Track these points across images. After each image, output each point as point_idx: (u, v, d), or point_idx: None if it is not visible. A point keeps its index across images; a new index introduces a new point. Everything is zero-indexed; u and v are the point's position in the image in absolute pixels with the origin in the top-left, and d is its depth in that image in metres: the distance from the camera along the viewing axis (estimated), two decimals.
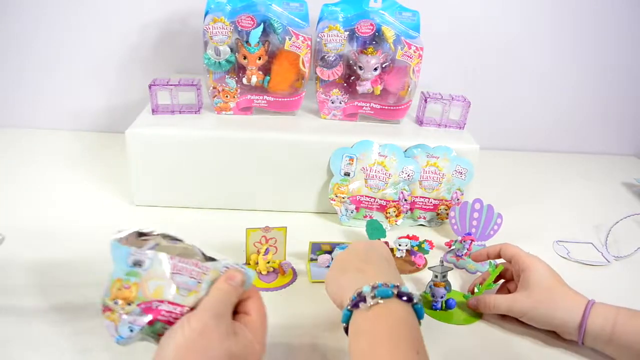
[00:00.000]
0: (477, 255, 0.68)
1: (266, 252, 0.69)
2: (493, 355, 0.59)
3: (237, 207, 0.85)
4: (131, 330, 0.45)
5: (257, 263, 0.69)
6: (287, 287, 0.68)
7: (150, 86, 0.81)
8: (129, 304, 0.45)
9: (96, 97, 1.10)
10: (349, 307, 0.48)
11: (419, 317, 0.48)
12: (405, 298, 0.47)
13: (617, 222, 0.84)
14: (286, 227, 0.69)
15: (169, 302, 0.45)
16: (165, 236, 0.50)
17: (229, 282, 0.46)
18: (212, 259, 0.50)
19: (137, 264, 0.46)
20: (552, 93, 1.16)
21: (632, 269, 0.79)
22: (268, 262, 0.69)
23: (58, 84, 1.08)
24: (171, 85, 0.82)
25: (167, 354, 0.41)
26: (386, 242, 0.67)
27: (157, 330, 0.46)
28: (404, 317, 0.46)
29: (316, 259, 0.72)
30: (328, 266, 0.72)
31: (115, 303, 0.45)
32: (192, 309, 0.45)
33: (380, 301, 0.46)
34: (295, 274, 0.70)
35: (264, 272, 0.69)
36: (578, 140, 1.23)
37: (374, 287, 0.48)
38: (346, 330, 0.48)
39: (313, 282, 0.69)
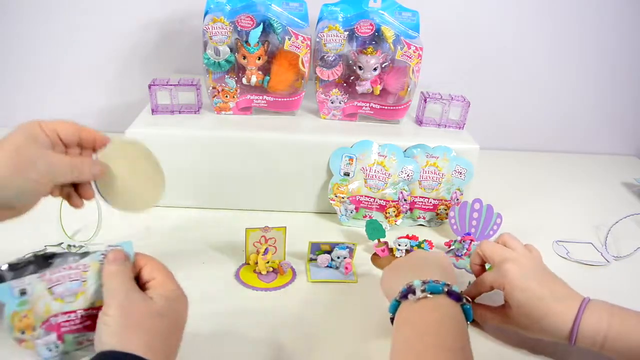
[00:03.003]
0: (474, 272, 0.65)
1: (265, 252, 0.69)
2: (488, 352, 0.60)
3: (236, 207, 0.85)
4: (49, 350, 0.49)
5: (256, 263, 0.69)
6: (286, 287, 0.68)
7: (150, 86, 0.81)
8: (34, 330, 0.48)
9: (96, 97, 1.10)
10: (397, 298, 0.48)
11: (467, 318, 0.48)
12: (454, 297, 0.47)
13: (617, 222, 0.84)
14: (286, 227, 0.69)
15: (62, 313, 0.47)
16: (35, 256, 0.52)
17: (115, 264, 0.47)
18: (86, 254, 0.51)
19: (23, 292, 0.47)
20: (552, 93, 1.16)
21: (632, 269, 0.79)
22: (267, 262, 0.69)
23: (58, 84, 1.08)
24: (171, 85, 0.82)
25: (107, 345, 0.42)
26: (385, 242, 0.67)
27: (75, 343, 0.48)
28: (451, 313, 0.47)
29: (315, 259, 0.72)
30: (327, 266, 0.72)
31: (23, 333, 0.48)
32: (90, 308, 0.48)
33: (430, 295, 0.47)
34: (294, 274, 0.70)
35: (263, 272, 0.69)
36: (578, 140, 1.23)
37: (424, 282, 0.48)
38: (392, 320, 0.49)
39: (312, 281, 0.69)
